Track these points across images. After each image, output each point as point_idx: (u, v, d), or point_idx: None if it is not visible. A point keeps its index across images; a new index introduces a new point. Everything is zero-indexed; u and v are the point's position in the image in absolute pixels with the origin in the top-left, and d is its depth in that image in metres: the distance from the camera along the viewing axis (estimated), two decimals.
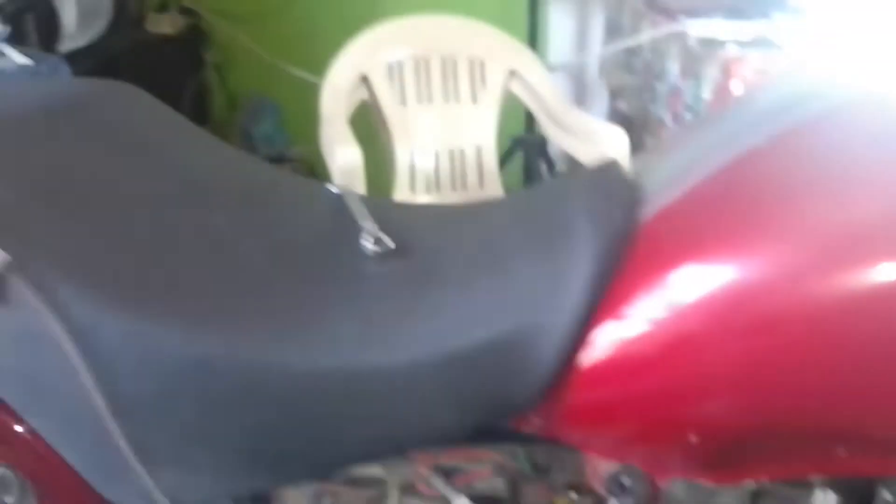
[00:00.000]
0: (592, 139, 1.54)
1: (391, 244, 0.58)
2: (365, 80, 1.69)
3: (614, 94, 2.42)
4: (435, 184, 1.74)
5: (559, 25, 2.58)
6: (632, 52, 2.22)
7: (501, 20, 2.48)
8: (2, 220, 0.54)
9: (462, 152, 1.75)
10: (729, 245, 0.51)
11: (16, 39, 1.47)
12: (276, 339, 0.53)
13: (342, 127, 1.52)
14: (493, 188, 1.77)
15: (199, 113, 2.49)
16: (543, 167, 2.44)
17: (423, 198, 1.72)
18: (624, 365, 0.52)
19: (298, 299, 0.56)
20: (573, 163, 2.30)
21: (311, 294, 0.56)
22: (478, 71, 1.75)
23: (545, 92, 1.73)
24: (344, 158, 1.38)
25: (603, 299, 0.52)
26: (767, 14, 1.71)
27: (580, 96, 2.64)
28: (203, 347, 0.51)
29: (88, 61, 1.88)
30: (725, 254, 0.51)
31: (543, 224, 0.57)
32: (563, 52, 2.60)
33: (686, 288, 0.51)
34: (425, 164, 1.73)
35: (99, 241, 0.56)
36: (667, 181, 0.56)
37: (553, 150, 2.38)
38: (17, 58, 1.30)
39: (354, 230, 0.60)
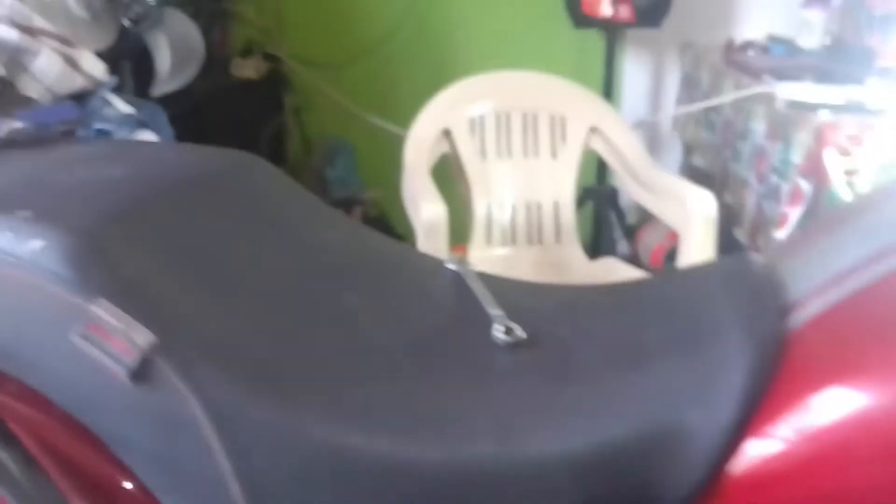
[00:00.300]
0: (677, 200, 1.52)
1: (523, 334, 0.57)
2: (447, 133, 1.71)
3: (689, 148, 2.39)
4: (511, 237, 1.73)
5: (635, 79, 2.57)
6: (710, 108, 2.19)
7: (578, 73, 2.50)
8: (147, 297, 0.55)
9: (539, 206, 1.74)
10: (889, 366, 0.48)
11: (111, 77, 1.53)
12: (412, 429, 0.52)
13: (426, 181, 1.53)
14: (570, 243, 1.75)
15: (276, 154, 2.55)
16: (613, 217, 2.42)
17: (499, 251, 1.71)
18: (773, 482, 0.49)
19: (432, 389, 0.55)
20: (646, 215, 2.27)
21: (445, 384, 0.55)
22: (558, 126, 1.75)
23: (626, 149, 1.72)
24: (428, 214, 1.39)
25: (754, 410, 0.50)
26: (860, 79, 1.68)
27: (652, 148, 2.62)
28: (339, 437, 0.51)
29: (177, 105, 1.95)
30: (884, 375, 0.48)
31: (686, 322, 0.55)
32: (638, 105, 2.59)
33: (840, 408, 0.49)
34: (502, 217, 1.73)
35: (238, 321, 0.57)
36: (815, 285, 0.53)
37: (623, 201, 2.36)
38: (122, 106, 1.35)
39: (482, 316, 0.59)
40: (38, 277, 0.53)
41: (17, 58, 1.28)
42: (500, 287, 0.64)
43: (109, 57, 1.79)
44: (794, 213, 1.53)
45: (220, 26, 2.31)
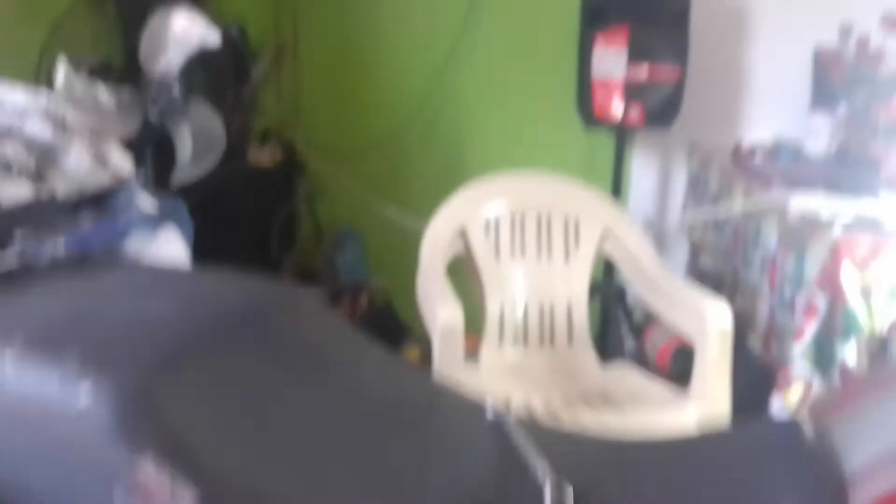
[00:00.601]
0: (691, 310, 1.52)
1: (571, 499, 0.55)
2: (463, 233, 1.72)
3: (697, 249, 2.41)
4: (523, 338, 1.72)
5: (642, 177, 2.62)
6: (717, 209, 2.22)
7: (587, 171, 2.55)
8: (192, 451, 0.54)
9: (552, 308, 1.74)
10: None
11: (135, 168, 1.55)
12: None
13: (442, 282, 1.53)
14: (583, 346, 1.74)
15: (287, 239, 2.57)
16: (621, 313, 2.42)
17: (510, 353, 1.70)
18: None
19: None
20: (653, 319, 2.26)
21: None
22: (572, 228, 1.77)
23: (639, 254, 1.73)
24: (445, 319, 1.38)
25: None
26: (872, 190, 1.70)
27: (659, 247, 2.64)
28: None
29: (195, 192, 1.97)
30: None
31: (741, 493, 0.54)
32: (646, 204, 2.63)
33: None
34: (515, 318, 1.72)
35: (281, 476, 0.55)
36: (872, 459, 0.52)
37: (630, 297, 2.37)
38: (146, 202, 1.37)
39: (529, 475, 0.58)
40: (84, 429, 0.52)
41: (49, 154, 1.30)
42: (544, 438, 0.63)
43: (132, 145, 1.83)
44: (809, 327, 1.52)
45: (241, 114, 2.36)
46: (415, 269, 1.67)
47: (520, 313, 1.72)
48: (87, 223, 1.03)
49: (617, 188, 2.34)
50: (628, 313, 2.43)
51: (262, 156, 2.42)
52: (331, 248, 2.58)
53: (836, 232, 1.56)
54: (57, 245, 0.84)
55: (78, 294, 0.66)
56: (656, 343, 2.49)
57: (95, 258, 0.92)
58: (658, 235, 2.65)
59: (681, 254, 2.58)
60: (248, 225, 2.37)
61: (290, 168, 2.54)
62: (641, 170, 2.60)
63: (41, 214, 0.98)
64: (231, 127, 2.20)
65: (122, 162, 1.38)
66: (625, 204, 2.50)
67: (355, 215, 2.61)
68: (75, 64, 1.95)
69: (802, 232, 1.63)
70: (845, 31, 2.30)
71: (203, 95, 2.02)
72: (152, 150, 1.89)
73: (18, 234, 0.83)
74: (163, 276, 0.76)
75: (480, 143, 2.58)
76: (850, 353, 1.46)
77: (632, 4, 2.18)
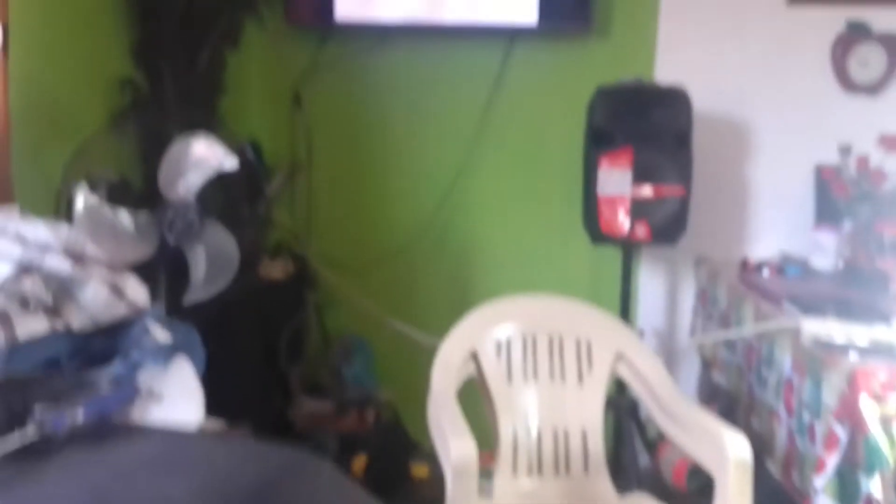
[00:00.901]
0: (709, 440, 1.48)
1: None
2: (474, 356, 1.71)
3: (708, 363, 2.39)
4: (538, 466, 1.68)
5: (650, 290, 2.63)
6: (727, 323, 2.22)
7: (594, 285, 2.56)
8: None
9: (567, 433, 1.71)
10: None
11: (148, 288, 1.56)
12: None
13: (454, 411, 1.51)
14: (599, 475, 1.69)
15: (295, 350, 2.56)
16: (634, 428, 2.37)
17: (525, 483, 1.65)
18: None
19: None
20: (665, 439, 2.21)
21: None
22: (584, 351, 1.76)
23: (653, 379, 1.71)
24: (458, 454, 1.35)
25: None
26: (885, 316, 1.70)
27: (670, 360, 2.62)
28: None
29: (206, 309, 1.97)
30: None
31: None
32: (654, 316, 2.63)
33: None
34: (529, 444, 1.69)
35: None
36: None
37: (644, 412, 2.32)
38: (159, 335, 1.37)
39: None
40: None
41: (66, 287, 1.31)
42: None
43: (147, 267, 1.85)
44: (831, 459, 1.49)
45: (255, 230, 2.40)
46: (423, 382, 1.66)
47: (533, 438, 1.69)
48: (105, 387, 1.03)
49: (625, 301, 2.34)
50: (642, 428, 2.39)
51: (274, 269, 2.45)
52: (339, 359, 2.56)
53: (852, 358, 1.54)
54: (76, 414, 0.83)
55: (95, 474, 0.65)
56: (671, 460, 2.42)
57: (112, 424, 0.91)
58: (668, 347, 2.64)
59: (692, 365, 2.56)
60: (256, 337, 2.37)
61: (301, 280, 2.56)
62: (649, 282, 2.62)
63: (60, 382, 0.98)
64: (244, 242, 2.23)
65: (138, 293, 1.39)
66: (634, 316, 2.50)
67: (364, 327, 2.61)
68: (95, 181, 2.01)
69: (817, 356, 1.61)
70: (845, 150, 2.37)
71: (218, 214, 2.06)
72: (166, 271, 1.91)
73: (38, 407, 0.83)
74: (178, 449, 0.75)
75: (488, 257, 2.61)
76: (875, 488, 1.42)
77: (635, 126, 2.25)
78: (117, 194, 2.06)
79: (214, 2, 2.44)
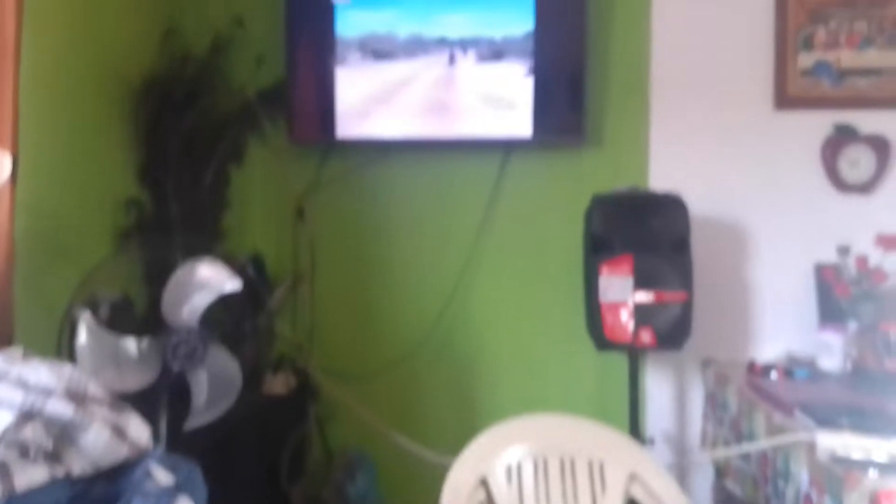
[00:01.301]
0: None
1: None
2: (484, 482, 1.67)
3: (721, 471, 2.33)
4: None
5: (657, 395, 2.59)
6: (738, 430, 2.17)
7: (600, 392, 2.53)
8: None
9: None
10: None
11: (149, 414, 1.52)
12: None
13: None
14: None
15: (297, 466, 2.49)
16: None
17: None
18: None
19: None
20: None
21: None
22: (597, 473, 1.72)
23: (669, 499, 1.66)
24: None
25: None
26: None
27: (680, 465, 2.56)
28: None
29: (207, 434, 1.93)
30: None
31: None
32: (663, 421, 2.58)
33: None
34: None
35: None
36: None
37: None
38: (162, 477, 1.33)
39: None
40: None
41: (67, 432, 1.29)
42: None
43: (149, 393, 1.83)
44: None
45: (257, 345, 2.39)
46: (428, 499, 1.59)
47: None
48: None
49: (634, 407, 2.30)
50: None
51: (276, 384, 2.42)
52: (342, 476, 2.49)
53: (871, 475, 1.51)
54: None
55: None
56: None
57: None
58: (679, 453, 2.57)
59: (706, 472, 2.49)
60: (258, 456, 2.31)
61: (303, 394, 2.53)
62: (656, 386, 2.58)
63: None
64: (247, 360, 2.21)
65: (140, 433, 1.37)
66: (643, 422, 2.45)
67: (367, 440, 2.56)
68: (98, 301, 2.00)
69: (835, 473, 1.57)
70: (843, 251, 2.39)
71: (220, 333, 2.05)
72: (168, 396, 1.88)
73: None
74: None
75: (491, 366, 2.59)
76: None
77: (633, 233, 2.28)
78: (120, 314, 2.06)
79: (219, 122, 2.51)
